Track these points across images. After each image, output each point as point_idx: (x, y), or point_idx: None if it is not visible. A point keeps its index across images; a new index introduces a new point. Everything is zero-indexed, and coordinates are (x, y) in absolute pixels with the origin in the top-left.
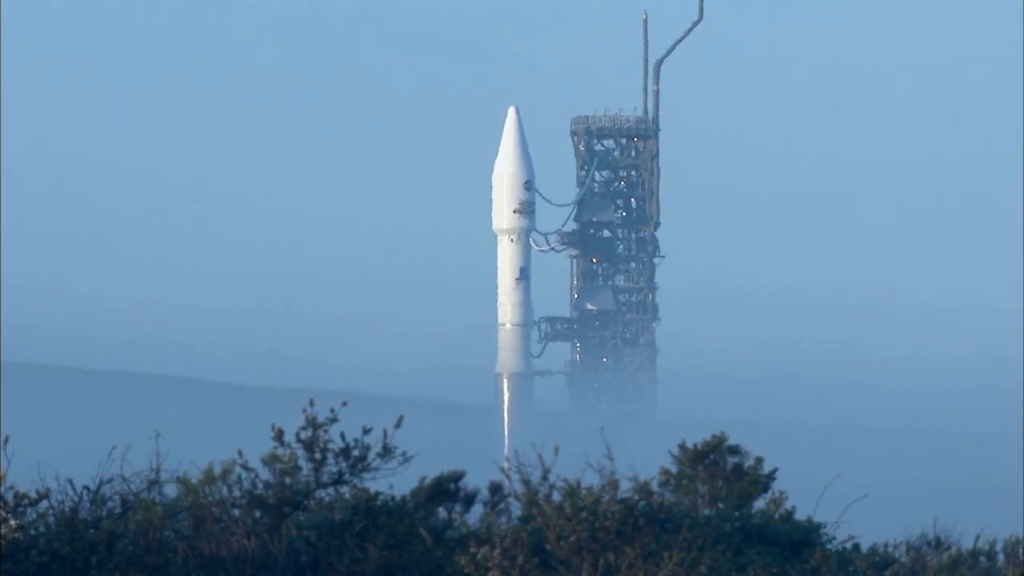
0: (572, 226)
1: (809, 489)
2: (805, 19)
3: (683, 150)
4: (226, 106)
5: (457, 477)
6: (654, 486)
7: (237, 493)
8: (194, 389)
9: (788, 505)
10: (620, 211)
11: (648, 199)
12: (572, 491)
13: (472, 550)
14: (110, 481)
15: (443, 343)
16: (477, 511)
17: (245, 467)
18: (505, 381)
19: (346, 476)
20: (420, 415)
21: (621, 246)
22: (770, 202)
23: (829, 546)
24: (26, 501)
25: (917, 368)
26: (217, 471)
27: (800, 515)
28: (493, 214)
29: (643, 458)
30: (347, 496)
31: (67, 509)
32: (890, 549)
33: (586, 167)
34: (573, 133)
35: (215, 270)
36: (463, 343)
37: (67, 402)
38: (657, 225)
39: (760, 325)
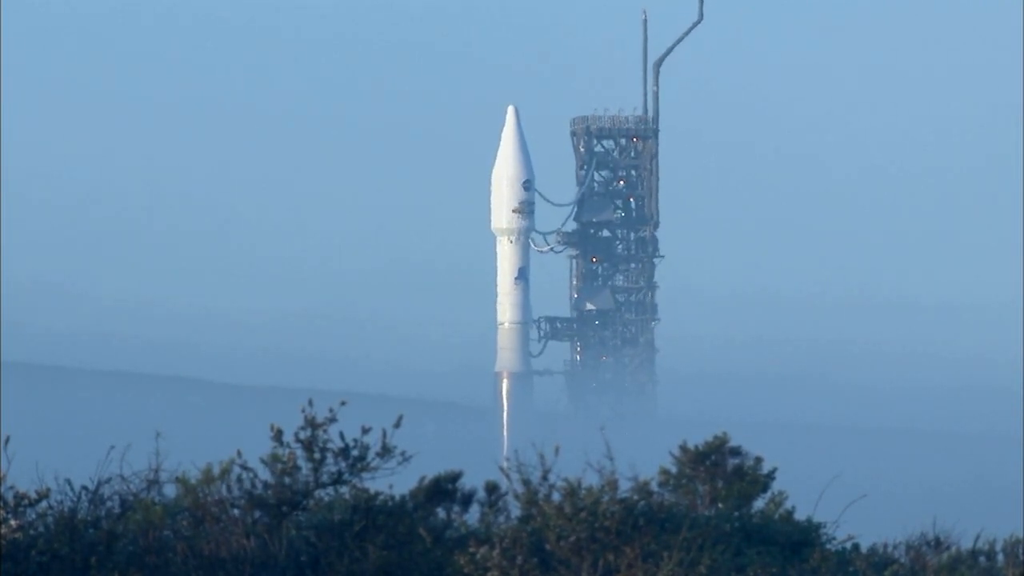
0: (572, 226)
1: (809, 489)
2: (805, 20)
3: (683, 150)
4: (226, 107)
5: (455, 477)
6: (654, 486)
7: (236, 493)
8: (194, 389)
9: (788, 505)
10: (620, 211)
11: (648, 199)
12: (572, 491)
13: (472, 550)
14: (109, 481)
15: (443, 343)
16: (475, 511)
17: (244, 467)
18: (505, 381)
19: (345, 476)
20: (420, 415)
21: (621, 246)
22: (770, 202)
23: (829, 546)
24: (26, 501)
25: (917, 368)
26: (216, 471)
27: (800, 515)
28: (492, 214)
29: (643, 458)
30: (346, 496)
31: (66, 509)
32: (890, 549)
33: (586, 167)
34: (573, 133)
35: (215, 271)
36: (463, 343)
37: (67, 402)
38: (657, 225)
39: (759, 325)
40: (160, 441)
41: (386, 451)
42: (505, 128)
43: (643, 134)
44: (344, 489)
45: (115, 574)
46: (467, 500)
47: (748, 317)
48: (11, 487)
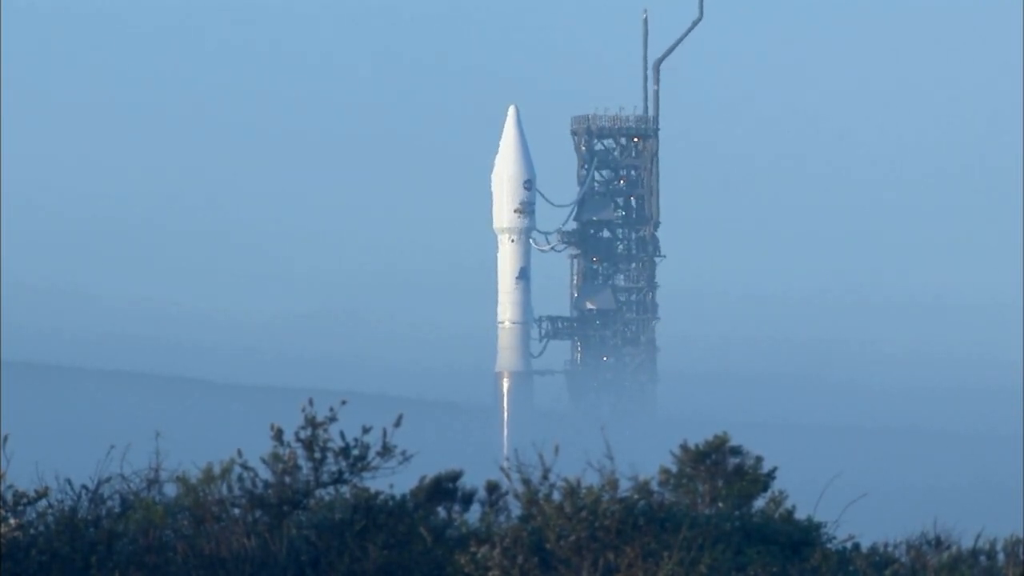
0: (572, 225)
1: (809, 489)
2: (805, 19)
3: (683, 149)
4: (226, 108)
5: (456, 476)
6: (654, 486)
7: (237, 492)
8: (194, 389)
9: (788, 505)
10: (620, 210)
11: (648, 198)
12: (572, 490)
13: (472, 549)
14: (109, 480)
15: (443, 343)
16: (476, 510)
17: (245, 466)
18: (505, 380)
19: (346, 475)
20: (420, 415)
21: (621, 245)
22: (770, 201)
23: (829, 545)
24: (26, 500)
25: (917, 368)
26: (217, 470)
27: (800, 515)
28: (493, 214)
29: (643, 457)
30: (347, 495)
31: (67, 508)
32: (890, 549)
33: (586, 166)
34: (573, 132)
35: (215, 271)
36: (463, 343)
37: (67, 402)
38: (657, 224)
39: (760, 324)
40: (160, 441)
41: (386, 450)
42: (506, 128)
43: (643, 133)
44: (345, 488)
45: (115, 573)
46: (468, 499)
47: (748, 317)
48: (11, 486)
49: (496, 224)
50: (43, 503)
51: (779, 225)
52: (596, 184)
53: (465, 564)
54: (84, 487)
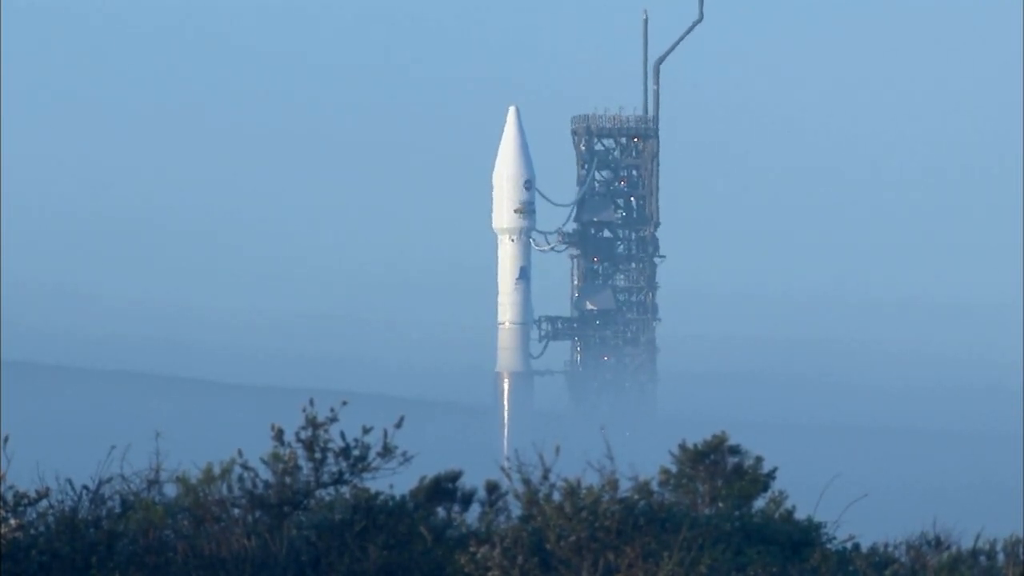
0: (572, 226)
1: (809, 489)
2: (805, 19)
3: (683, 150)
4: (228, 109)
5: (455, 477)
6: (654, 486)
7: (237, 493)
8: (194, 389)
9: (788, 505)
10: (620, 211)
11: (648, 199)
12: (572, 491)
13: (472, 549)
14: (110, 481)
15: (443, 343)
16: (475, 510)
17: (245, 467)
18: (505, 380)
19: (346, 476)
20: (420, 415)
21: (621, 246)
22: (770, 202)
23: (829, 546)
24: (26, 500)
25: (917, 368)
26: (217, 471)
27: (800, 515)
28: (493, 214)
29: (643, 457)
30: (347, 496)
31: (67, 509)
32: (890, 549)
33: (586, 166)
34: (573, 132)
35: (216, 271)
36: (463, 343)
37: (67, 402)
38: (657, 225)
39: (760, 325)
40: (160, 441)
41: (387, 451)
42: (506, 128)
43: (644, 134)
44: (345, 489)
45: (115, 574)
46: (467, 500)
47: (748, 317)
48: (11, 486)
49: (496, 224)
50: (44, 503)
51: (778, 225)
52: (596, 184)
53: (465, 564)
54: (85, 487)
